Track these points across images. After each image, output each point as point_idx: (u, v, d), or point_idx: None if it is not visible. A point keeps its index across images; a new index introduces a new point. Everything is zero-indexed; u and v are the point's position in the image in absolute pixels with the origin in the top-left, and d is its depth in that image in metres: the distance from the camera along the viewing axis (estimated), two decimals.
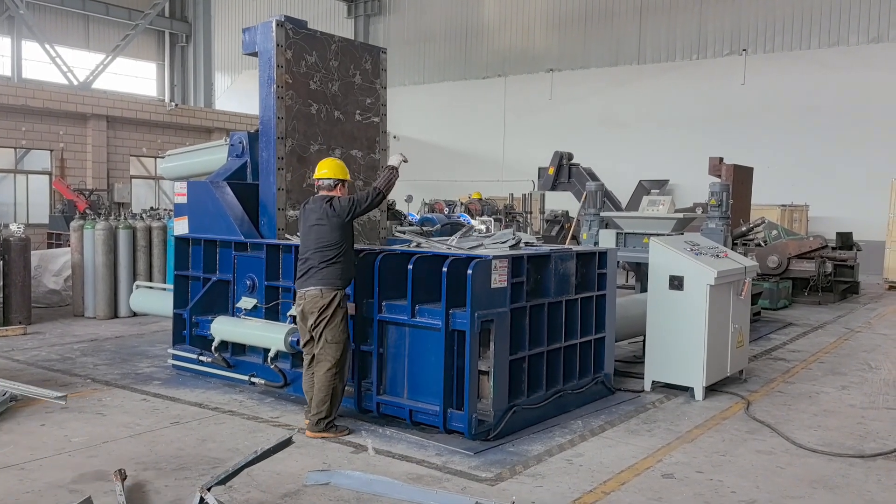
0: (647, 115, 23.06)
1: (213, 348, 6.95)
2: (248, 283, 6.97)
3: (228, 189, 7.14)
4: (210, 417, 5.91)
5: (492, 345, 5.35)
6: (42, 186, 19.96)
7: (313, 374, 5.54)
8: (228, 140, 7.71)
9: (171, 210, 12.76)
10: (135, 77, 31.33)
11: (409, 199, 17.58)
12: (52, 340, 8.93)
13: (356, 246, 6.10)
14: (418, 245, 6.32)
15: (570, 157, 13.77)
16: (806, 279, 13.57)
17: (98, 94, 22.57)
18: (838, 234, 15.21)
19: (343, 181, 5.63)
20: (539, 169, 14.60)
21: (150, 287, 9.09)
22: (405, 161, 5.90)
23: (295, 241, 6.75)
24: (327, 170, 5.61)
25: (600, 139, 23.16)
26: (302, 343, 5.65)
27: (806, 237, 14.87)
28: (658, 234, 7.76)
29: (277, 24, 6.80)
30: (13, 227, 10.04)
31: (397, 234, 7.73)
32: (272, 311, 6.81)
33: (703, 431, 5.78)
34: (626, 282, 13.92)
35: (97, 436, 5.40)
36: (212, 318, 7.04)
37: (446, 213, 16.00)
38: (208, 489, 3.88)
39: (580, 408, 6.28)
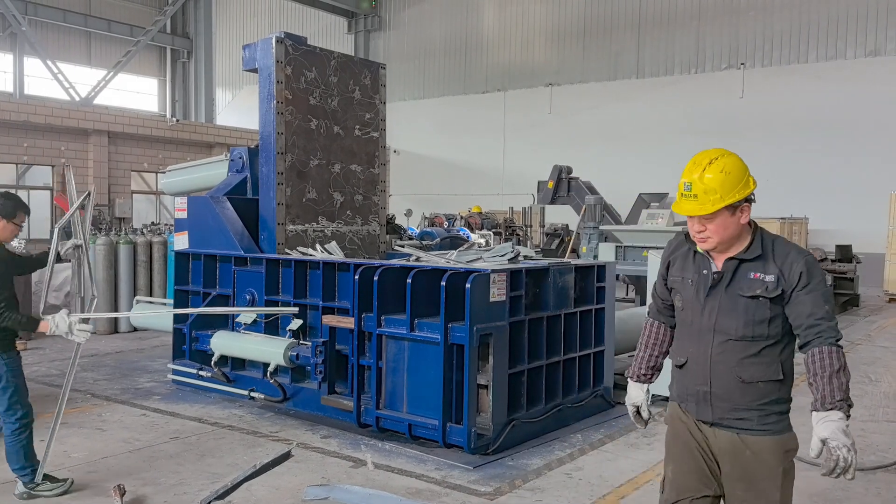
0: (645, 128, 23.13)
1: (212, 363, 6.95)
2: (247, 297, 6.98)
3: (228, 204, 7.17)
4: (209, 432, 5.91)
5: (491, 359, 5.36)
6: (43, 202, 20.01)
7: None
8: (229, 155, 7.75)
9: (171, 225, 12.80)
10: (136, 93, 31.47)
11: (408, 213, 17.64)
12: (53, 356, 8.93)
13: (362, 259, 6.06)
14: (417, 259, 6.34)
15: (570, 170, 13.83)
16: None
17: (100, 109, 22.68)
18: (838, 246, 15.22)
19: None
20: (538, 182, 14.63)
21: (151, 302, 9.10)
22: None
23: (294, 255, 6.78)
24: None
25: (599, 153, 23.22)
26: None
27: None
28: (657, 248, 7.78)
29: (277, 41, 6.86)
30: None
31: (397, 248, 7.75)
32: (272, 325, 6.82)
33: None
34: (627, 295, 13.91)
35: (96, 451, 5.40)
36: (211, 332, 7.04)
37: (446, 226, 16.03)
38: None
39: (579, 421, 6.27)
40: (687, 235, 2.87)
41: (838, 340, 2.62)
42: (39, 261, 4.98)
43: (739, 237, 2.72)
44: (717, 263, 2.77)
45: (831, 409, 2.54)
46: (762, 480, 2.70)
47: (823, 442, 2.51)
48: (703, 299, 2.78)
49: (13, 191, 6.36)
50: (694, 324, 2.82)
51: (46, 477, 4.58)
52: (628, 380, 3.13)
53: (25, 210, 4.64)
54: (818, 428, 2.54)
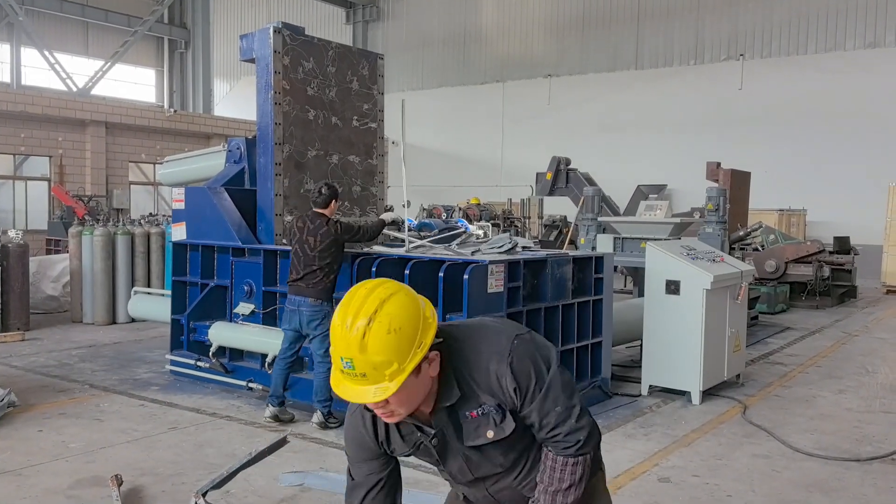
0: (644, 120, 23.11)
1: (210, 354, 6.96)
2: (245, 288, 6.98)
3: (226, 195, 7.16)
4: (207, 423, 5.91)
5: None
6: (41, 193, 19.97)
7: None
8: (226, 146, 7.74)
9: (169, 216, 12.78)
10: (134, 83, 31.35)
11: (407, 204, 17.59)
12: (51, 346, 8.93)
13: (359, 250, 6.22)
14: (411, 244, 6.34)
15: (568, 162, 13.78)
16: (803, 283, 13.59)
17: (97, 100, 22.63)
18: (836, 238, 15.23)
19: None
20: (537, 174, 14.60)
21: (149, 293, 9.10)
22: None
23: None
24: None
25: (598, 144, 23.20)
26: None
27: (803, 241, 14.89)
28: (655, 239, 7.78)
29: (275, 31, 6.83)
30: (11, 233, 10.05)
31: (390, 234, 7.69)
32: (270, 316, 6.82)
33: (699, 435, 5.79)
34: (625, 286, 13.92)
35: (95, 441, 5.40)
36: (209, 323, 7.05)
37: (444, 218, 16.01)
38: (203, 494, 3.89)
39: None
40: (367, 407, 2.05)
41: (579, 448, 2.09)
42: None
43: (431, 388, 2.02)
44: (423, 419, 2.10)
45: None
46: None
47: None
48: (443, 466, 2.20)
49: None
50: (460, 478, 2.24)
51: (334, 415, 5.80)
52: None
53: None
54: None
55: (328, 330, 5.57)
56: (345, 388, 1.91)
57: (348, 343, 1.86)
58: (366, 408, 2.07)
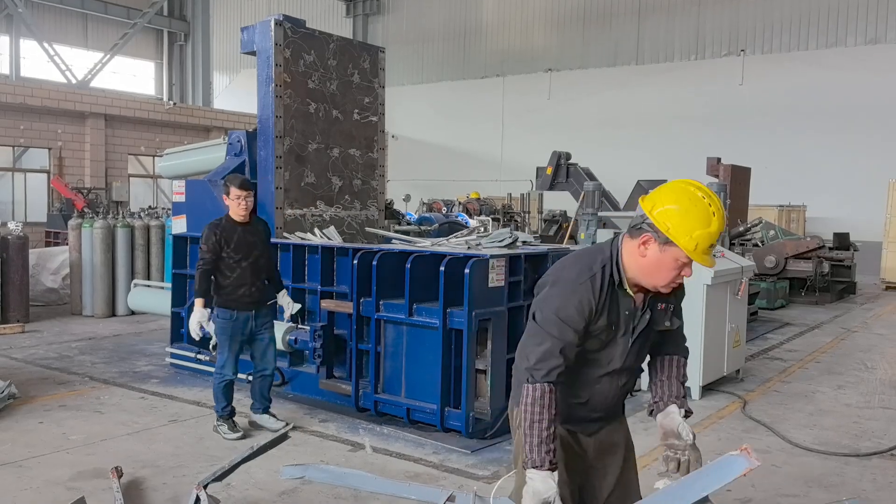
0: (645, 115, 23.07)
1: (210, 346, 6.93)
2: None
3: None
4: (208, 415, 5.91)
5: (489, 344, 5.37)
6: (40, 185, 19.95)
7: None
8: (227, 139, 7.72)
9: (169, 209, 12.77)
10: (133, 76, 31.28)
11: (407, 198, 17.62)
12: (50, 339, 8.93)
13: (360, 244, 6.07)
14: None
15: (568, 156, 13.79)
16: (803, 279, 13.60)
17: (96, 92, 22.57)
18: (835, 234, 15.24)
19: None
20: (537, 169, 14.59)
21: (148, 286, 9.10)
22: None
23: (293, 239, 6.76)
24: None
25: (598, 139, 23.16)
26: None
27: (803, 237, 14.89)
28: None
29: (276, 23, 6.81)
30: (11, 225, 10.04)
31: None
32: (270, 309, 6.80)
33: (699, 430, 5.77)
34: None
35: (95, 434, 5.41)
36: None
37: (444, 212, 16.01)
38: (205, 486, 3.89)
39: None
40: (609, 278, 2.46)
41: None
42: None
43: None
44: (637, 301, 2.53)
45: (682, 408, 2.67)
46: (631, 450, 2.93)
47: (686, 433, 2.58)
48: (630, 342, 2.54)
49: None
50: (610, 365, 2.57)
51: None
52: (531, 470, 2.41)
53: (237, 184, 5.35)
54: (681, 420, 2.62)
55: (220, 342, 5.44)
56: (708, 260, 2.42)
57: (721, 221, 2.38)
58: (606, 287, 2.45)
